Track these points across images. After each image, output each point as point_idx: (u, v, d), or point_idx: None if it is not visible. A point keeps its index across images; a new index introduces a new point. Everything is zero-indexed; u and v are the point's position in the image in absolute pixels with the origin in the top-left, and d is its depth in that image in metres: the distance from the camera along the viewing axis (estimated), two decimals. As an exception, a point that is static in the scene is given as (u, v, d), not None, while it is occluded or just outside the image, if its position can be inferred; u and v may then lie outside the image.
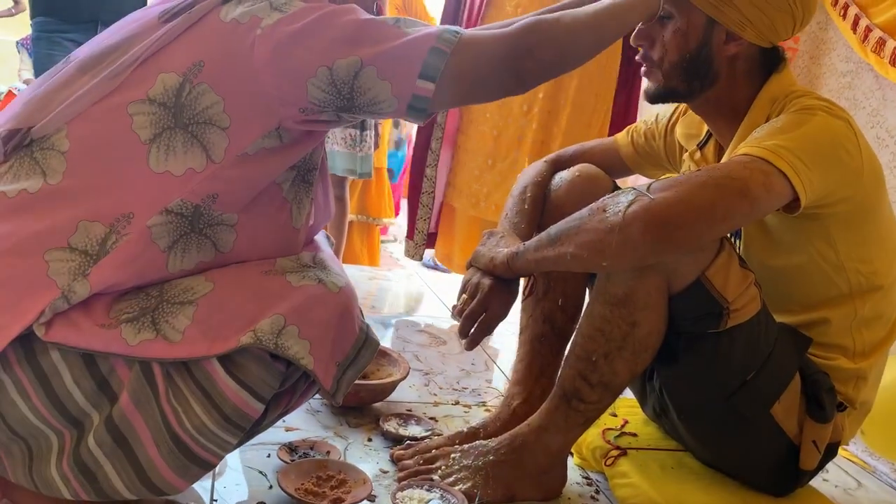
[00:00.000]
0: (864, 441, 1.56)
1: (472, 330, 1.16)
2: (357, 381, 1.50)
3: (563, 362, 1.23)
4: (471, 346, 1.17)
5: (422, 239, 2.68)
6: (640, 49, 1.25)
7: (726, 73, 1.20)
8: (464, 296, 1.19)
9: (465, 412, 1.62)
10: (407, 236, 2.71)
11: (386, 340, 2.07)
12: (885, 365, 1.29)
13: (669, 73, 1.21)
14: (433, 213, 2.67)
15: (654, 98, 1.26)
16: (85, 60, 0.93)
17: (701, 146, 1.33)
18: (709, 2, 1.15)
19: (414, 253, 2.70)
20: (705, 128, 1.33)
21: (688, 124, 1.37)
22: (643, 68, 1.25)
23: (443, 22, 2.65)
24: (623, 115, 2.50)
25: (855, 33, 2.05)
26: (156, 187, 0.88)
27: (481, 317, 1.16)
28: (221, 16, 0.92)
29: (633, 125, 1.49)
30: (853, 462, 1.67)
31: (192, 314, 0.88)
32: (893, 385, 1.46)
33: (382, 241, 4.21)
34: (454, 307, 1.20)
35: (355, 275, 2.87)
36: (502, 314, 1.18)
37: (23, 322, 0.82)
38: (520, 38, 0.95)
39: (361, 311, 1.05)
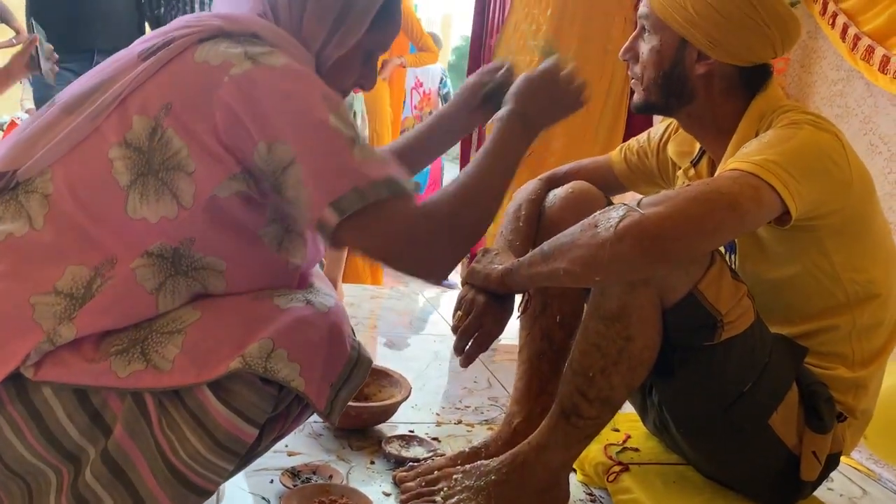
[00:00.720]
0: (868, 447, 1.56)
1: (468, 347, 1.17)
2: (359, 404, 1.51)
3: (561, 379, 1.24)
4: (466, 362, 1.18)
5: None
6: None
7: (703, 92, 1.23)
8: (459, 313, 1.20)
9: (468, 431, 1.62)
10: None
11: (388, 360, 2.08)
12: (884, 373, 1.29)
13: (649, 88, 1.26)
14: None
15: (637, 109, 1.32)
16: (68, 101, 0.93)
17: (694, 163, 1.35)
18: (680, 23, 1.19)
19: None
20: (697, 145, 1.35)
21: (680, 142, 1.38)
22: (632, 82, 1.31)
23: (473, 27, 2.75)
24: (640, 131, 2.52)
25: (844, 41, 2.07)
26: (135, 232, 0.88)
27: (476, 333, 1.17)
28: (195, 56, 0.91)
29: (627, 143, 1.51)
30: (858, 470, 1.67)
31: (181, 342, 0.88)
32: (893, 391, 1.47)
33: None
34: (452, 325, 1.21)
35: (358, 294, 2.89)
36: (497, 331, 1.18)
37: (8, 366, 0.83)
38: (446, 227, 0.94)
39: (353, 330, 1.06)
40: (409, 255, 0.92)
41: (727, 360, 1.12)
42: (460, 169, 2.74)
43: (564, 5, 2.34)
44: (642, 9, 1.25)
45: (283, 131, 0.88)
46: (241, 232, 0.95)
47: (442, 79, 5.33)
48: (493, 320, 1.17)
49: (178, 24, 0.97)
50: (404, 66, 4.35)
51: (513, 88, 1.14)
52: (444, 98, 5.33)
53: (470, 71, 2.78)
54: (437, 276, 0.96)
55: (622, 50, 1.29)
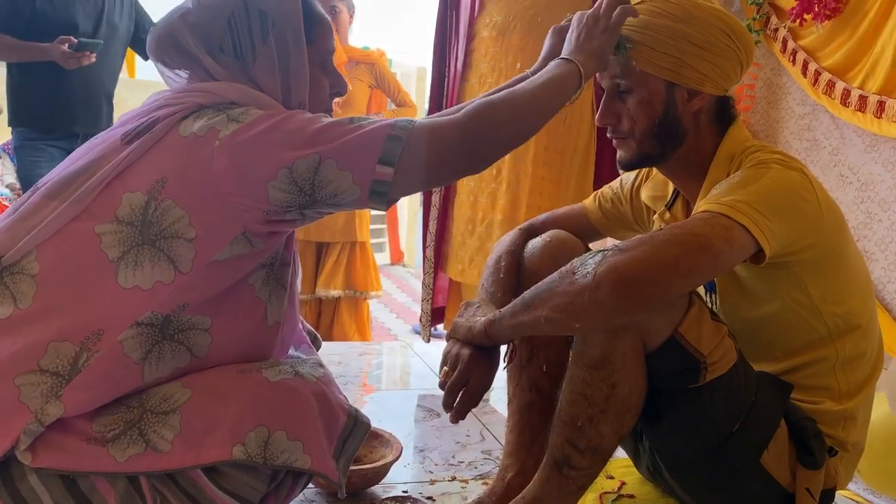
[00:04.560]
0: (864, 480, 1.55)
1: (456, 402, 1.17)
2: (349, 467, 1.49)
3: (550, 430, 1.23)
4: (456, 418, 1.17)
5: (427, 320, 2.75)
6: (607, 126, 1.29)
7: (693, 129, 1.25)
8: (445, 368, 1.20)
9: (463, 488, 1.60)
10: (419, 320, 2.77)
11: (379, 417, 2.05)
12: (872, 404, 1.29)
13: (642, 140, 1.25)
14: (433, 292, 2.74)
15: (628, 166, 1.30)
16: (51, 187, 0.95)
17: (669, 206, 1.37)
18: (666, 69, 1.20)
19: (424, 335, 2.78)
20: (671, 188, 1.37)
21: (653, 187, 1.40)
22: (615, 141, 1.30)
23: (431, 84, 2.79)
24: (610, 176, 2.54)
25: (805, 77, 2.13)
26: (125, 303, 0.89)
27: (463, 388, 1.16)
28: (181, 131, 0.94)
29: (600, 191, 1.53)
30: (855, 501, 1.66)
31: (178, 423, 0.88)
32: (885, 421, 1.47)
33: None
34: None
35: (346, 352, 2.87)
36: (485, 384, 1.18)
37: None
38: (470, 122, 0.98)
39: (345, 396, 1.06)
40: (462, 154, 0.98)
41: (713, 402, 1.12)
42: (422, 238, 2.77)
43: (534, 58, 2.38)
44: (611, 72, 1.24)
45: (293, 150, 0.92)
46: (233, 292, 0.96)
47: None
48: (480, 374, 1.17)
49: (157, 102, 0.99)
50: (383, 123, 4.41)
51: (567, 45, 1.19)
52: None
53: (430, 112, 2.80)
54: (476, 169, 1.03)
55: (599, 118, 1.28)
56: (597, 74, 1.28)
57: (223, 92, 0.98)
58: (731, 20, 1.22)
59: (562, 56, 1.15)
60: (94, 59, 2.51)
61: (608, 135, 1.31)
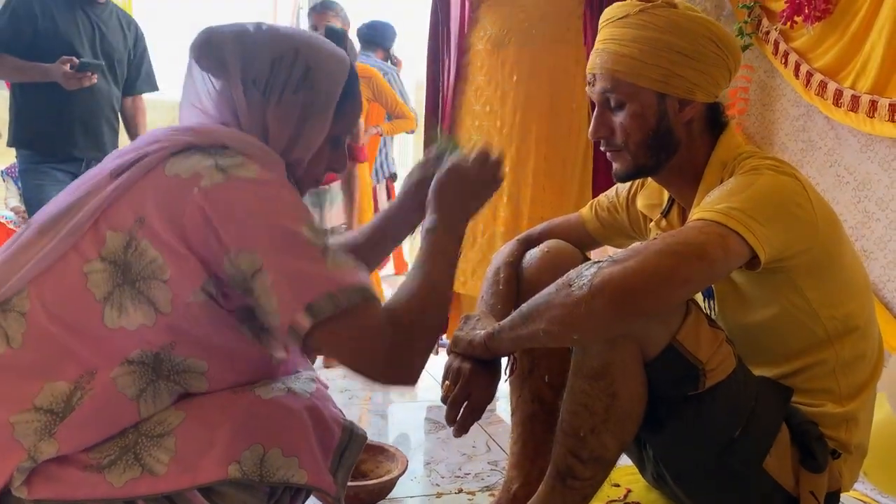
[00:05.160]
0: (870, 481, 1.55)
1: (459, 416, 1.17)
2: (356, 483, 1.49)
3: (553, 440, 1.24)
4: (459, 432, 1.17)
5: None
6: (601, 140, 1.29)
7: (686, 138, 1.26)
8: (446, 383, 1.20)
9: (469, 500, 1.60)
10: None
11: (384, 432, 2.06)
12: (874, 404, 1.29)
13: (637, 152, 1.25)
14: None
15: (624, 178, 1.31)
16: (43, 223, 0.95)
17: (665, 213, 1.38)
18: (656, 80, 1.21)
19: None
20: (666, 195, 1.37)
21: (648, 195, 1.41)
22: (609, 154, 1.30)
23: (426, 96, 2.78)
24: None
25: (798, 78, 2.13)
26: (113, 342, 0.89)
27: (466, 402, 1.17)
28: (166, 170, 0.93)
29: (596, 199, 1.53)
30: (863, 502, 1.65)
31: (173, 445, 0.89)
32: (889, 421, 1.47)
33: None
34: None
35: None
36: (486, 397, 1.18)
37: None
38: (395, 334, 0.92)
39: (340, 410, 1.07)
40: (381, 359, 0.91)
41: (714, 408, 1.12)
42: None
43: (531, 70, 2.41)
44: (601, 86, 1.25)
45: (253, 240, 0.89)
46: (221, 331, 0.96)
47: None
48: (481, 388, 1.18)
49: (150, 138, 0.99)
50: (381, 135, 4.42)
51: (429, 195, 1.12)
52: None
53: (426, 133, 2.81)
54: (408, 380, 0.96)
55: (592, 132, 1.28)
56: (587, 89, 1.30)
57: (217, 135, 0.97)
58: (717, 28, 1.23)
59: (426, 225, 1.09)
60: (94, 80, 2.53)
61: (601, 148, 1.31)
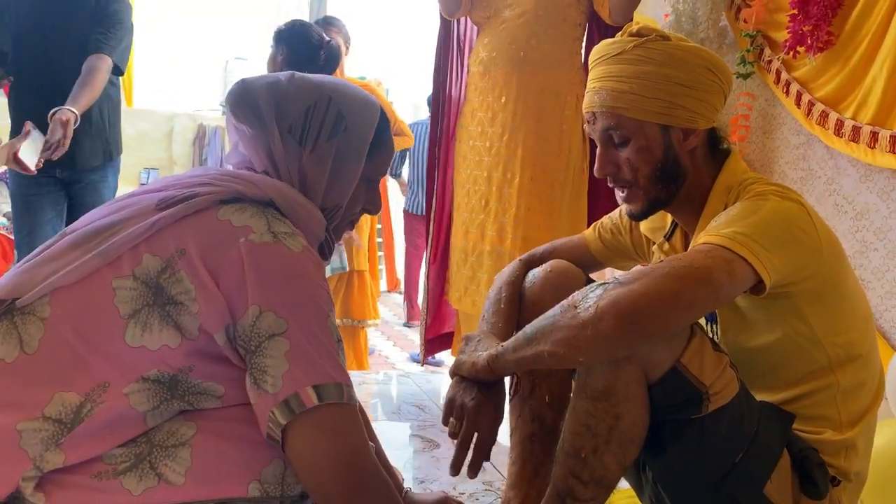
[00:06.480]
0: (867, 511, 1.55)
1: (470, 459, 1.17)
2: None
3: (554, 461, 1.23)
4: (474, 474, 1.18)
5: (422, 346, 2.88)
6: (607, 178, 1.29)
7: (692, 166, 1.27)
8: (451, 420, 1.20)
9: (464, 519, 1.59)
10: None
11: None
12: (874, 432, 1.29)
13: (648, 186, 1.26)
14: (434, 318, 2.86)
15: (640, 216, 1.31)
16: (77, 237, 0.95)
17: (668, 237, 1.38)
18: (658, 113, 1.22)
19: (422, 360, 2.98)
20: (669, 219, 1.38)
21: (651, 218, 1.41)
22: (619, 193, 1.30)
23: (431, 114, 2.89)
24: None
25: (799, 108, 2.16)
26: (132, 360, 0.89)
27: (474, 440, 1.16)
28: (219, 215, 0.95)
29: (600, 221, 1.54)
30: (860, 532, 1.65)
31: (189, 456, 0.88)
32: (887, 451, 1.47)
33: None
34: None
35: (344, 382, 2.85)
36: (493, 434, 1.18)
37: None
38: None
39: None
40: (354, 474, 0.91)
41: (716, 432, 1.12)
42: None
43: (518, 92, 2.45)
44: (604, 124, 1.25)
45: (281, 304, 0.91)
46: (234, 363, 0.95)
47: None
48: (488, 425, 1.18)
49: (199, 178, 1.01)
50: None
51: None
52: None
53: (431, 149, 2.87)
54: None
55: (598, 169, 1.28)
56: (586, 128, 1.30)
57: (265, 188, 1.00)
58: (710, 55, 1.25)
59: None
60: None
61: (609, 184, 1.30)
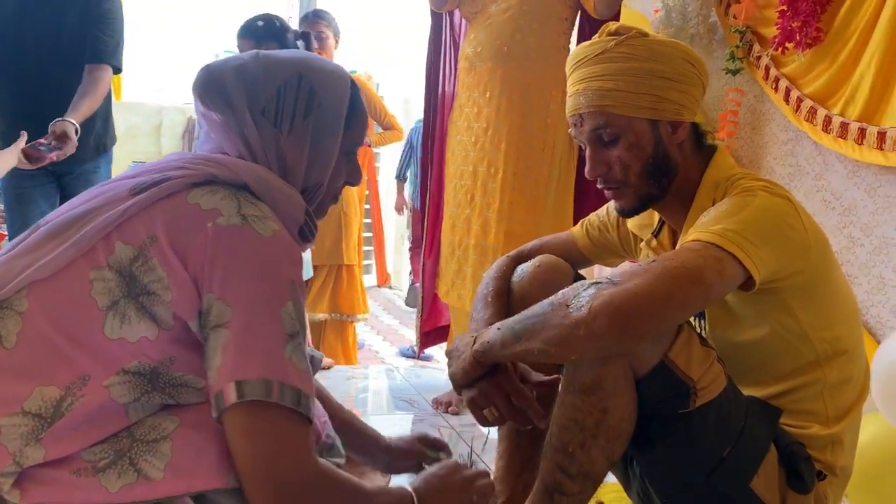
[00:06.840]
0: (852, 504, 1.56)
1: (531, 412, 1.21)
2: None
3: (541, 455, 1.23)
4: (545, 423, 1.21)
5: (418, 339, 2.92)
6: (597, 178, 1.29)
7: (681, 159, 1.27)
8: (484, 412, 1.23)
9: (452, 513, 1.58)
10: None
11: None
12: (859, 427, 1.30)
13: (639, 183, 1.25)
14: (424, 312, 2.88)
15: (632, 213, 1.31)
16: (52, 227, 0.94)
17: (655, 234, 1.38)
18: (647, 108, 1.22)
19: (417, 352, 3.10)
20: (656, 216, 1.38)
21: (639, 216, 1.41)
22: (609, 192, 1.30)
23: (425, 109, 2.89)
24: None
25: (788, 104, 2.16)
26: (111, 352, 0.88)
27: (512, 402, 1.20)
28: (188, 198, 0.93)
29: (587, 218, 1.54)
30: (845, 526, 1.66)
31: (169, 450, 0.87)
32: (871, 446, 1.48)
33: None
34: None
35: (333, 376, 2.85)
36: (523, 390, 1.22)
37: None
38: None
39: (328, 421, 1.06)
40: (271, 482, 0.85)
41: (704, 427, 1.12)
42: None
43: (502, 87, 2.45)
44: (593, 124, 1.24)
45: (234, 296, 0.88)
46: None
47: None
48: (511, 388, 1.21)
49: (174, 162, 0.99)
50: (370, 146, 4.42)
51: (421, 475, 1.09)
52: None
53: (424, 143, 2.88)
54: None
55: (589, 170, 1.27)
56: (572, 132, 1.30)
57: (239, 170, 0.97)
58: (688, 48, 1.27)
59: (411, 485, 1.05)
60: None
61: (599, 186, 1.30)
